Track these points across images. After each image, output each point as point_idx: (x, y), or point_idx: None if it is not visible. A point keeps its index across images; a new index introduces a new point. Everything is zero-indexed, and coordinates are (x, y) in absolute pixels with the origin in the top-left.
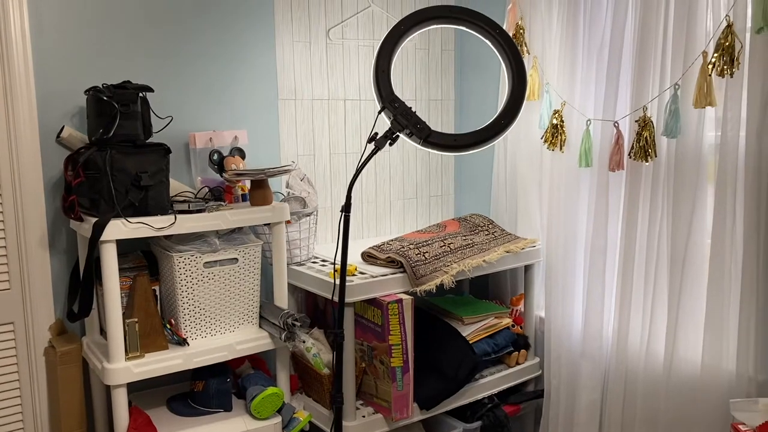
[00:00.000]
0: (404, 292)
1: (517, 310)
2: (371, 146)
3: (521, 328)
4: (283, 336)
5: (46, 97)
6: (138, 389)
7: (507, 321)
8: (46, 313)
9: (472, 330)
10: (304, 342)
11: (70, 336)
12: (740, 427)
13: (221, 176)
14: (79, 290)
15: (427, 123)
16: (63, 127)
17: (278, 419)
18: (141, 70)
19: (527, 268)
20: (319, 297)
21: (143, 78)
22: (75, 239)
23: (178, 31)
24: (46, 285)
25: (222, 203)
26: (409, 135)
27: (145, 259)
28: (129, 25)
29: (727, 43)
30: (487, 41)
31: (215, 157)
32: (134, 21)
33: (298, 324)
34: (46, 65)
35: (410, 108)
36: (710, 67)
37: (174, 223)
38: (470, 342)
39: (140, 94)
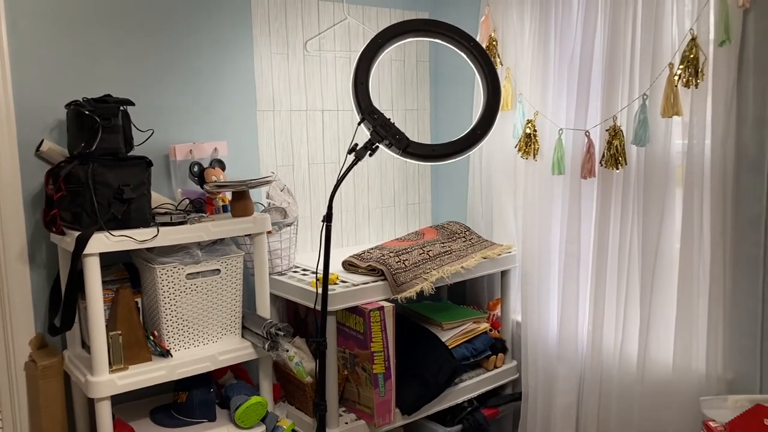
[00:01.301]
0: (385, 300)
1: (494, 315)
2: (351, 157)
3: (498, 332)
4: (266, 346)
5: (25, 111)
6: (121, 401)
7: (485, 326)
8: (26, 327)
9: (451, 335)
10: (287, 351)
11: (50, 350)
12: (711, 423)
13: (202, 188)
14: (62, 304)
15: (405, 133)
16: (42, 141)
17: (262, 428)
18: (121, 84)
19: (504, 274)
20: (301, 306)
21: (123, 91)
22: (55, 253)
23: (157, 45)
24: (26, 299)
25: (203, 215)
26: (389, 146)
27: (127, 272)
28: (108, 38)
29: (691, 56)
30: (461, 53)
31: (195, 168)
32: (114, 34)
33: (282, 333)
34: (24, 78)
35: (389, 119)
36: (676, 78)
37: (157, 235)
38: (449, 347)
39: (121, 108)
